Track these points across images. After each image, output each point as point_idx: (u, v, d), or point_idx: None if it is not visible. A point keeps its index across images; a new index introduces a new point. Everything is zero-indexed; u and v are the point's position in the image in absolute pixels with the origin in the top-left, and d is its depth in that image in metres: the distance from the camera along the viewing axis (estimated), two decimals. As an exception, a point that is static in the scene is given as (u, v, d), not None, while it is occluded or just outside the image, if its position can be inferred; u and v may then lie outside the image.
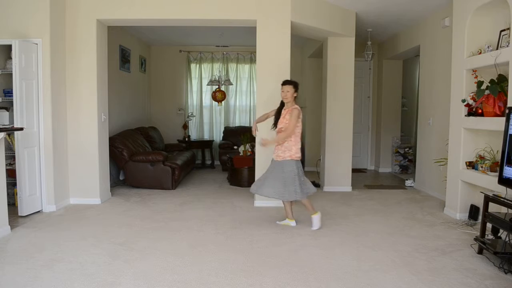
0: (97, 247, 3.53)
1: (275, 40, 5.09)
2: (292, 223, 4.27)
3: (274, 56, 5.10)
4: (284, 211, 4.40)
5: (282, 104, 4.19)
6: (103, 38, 5.23)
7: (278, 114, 4.19)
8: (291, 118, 4.01)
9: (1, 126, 3.89)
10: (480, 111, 4.16)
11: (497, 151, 3.99)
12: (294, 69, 6.64)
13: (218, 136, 8.95)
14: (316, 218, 4.14)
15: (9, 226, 3.89)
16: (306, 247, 3.60)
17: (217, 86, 8.27)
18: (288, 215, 4.29)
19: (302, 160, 8.44)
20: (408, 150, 7.96)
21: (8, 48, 4.53)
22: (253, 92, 8.80)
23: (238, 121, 9.03)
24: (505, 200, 3.22)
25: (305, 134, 8.28)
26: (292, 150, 4.06)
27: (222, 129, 8.86)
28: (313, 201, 5.39)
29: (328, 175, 6.13)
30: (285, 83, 4.13)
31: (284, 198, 4.12)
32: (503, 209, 3.36)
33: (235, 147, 7.51)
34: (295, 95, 4.10)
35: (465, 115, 4.41)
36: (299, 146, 4.11)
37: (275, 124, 4.19)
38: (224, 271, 3.04)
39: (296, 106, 4.10)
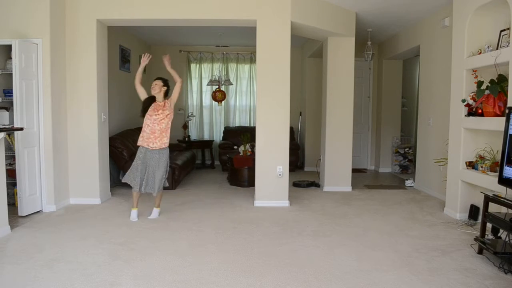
0: (97, 247, 3.53)
1: (275, 40, 5.09)
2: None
3: (274, 56, 5.10)
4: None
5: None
6: (103, 38, 5.23)
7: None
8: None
9: (1, 126, 3.88)
10: (480, 111, 4.16)
11: (497, 151, 3.99)
12: (294, 69, 6.64)
13: (218, 136, 8.94)
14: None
15: (9, 226, 3.89)
16: (306, 247, 3.60)
17: (217, 86, 8.27)
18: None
19: (303, 161, 8.47)
20: (408, 150, 7.96)
21: (8, 48, 4.54)
22: (253, 92, 8.80)
23: (238, 121, 9.03)
24: (505, 200, 3.22)
25: (305, 134, 8.29)
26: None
27: (222, 129, 8.85)
28: (313, 201, 5.42)
29: (328, 175, 6.13)
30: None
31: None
32: (503, 209, 3.36)
33: (235, 147, 7.52)
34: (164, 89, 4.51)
35: (465, 115, 4.41)
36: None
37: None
38: (224, 271, 3.04)
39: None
